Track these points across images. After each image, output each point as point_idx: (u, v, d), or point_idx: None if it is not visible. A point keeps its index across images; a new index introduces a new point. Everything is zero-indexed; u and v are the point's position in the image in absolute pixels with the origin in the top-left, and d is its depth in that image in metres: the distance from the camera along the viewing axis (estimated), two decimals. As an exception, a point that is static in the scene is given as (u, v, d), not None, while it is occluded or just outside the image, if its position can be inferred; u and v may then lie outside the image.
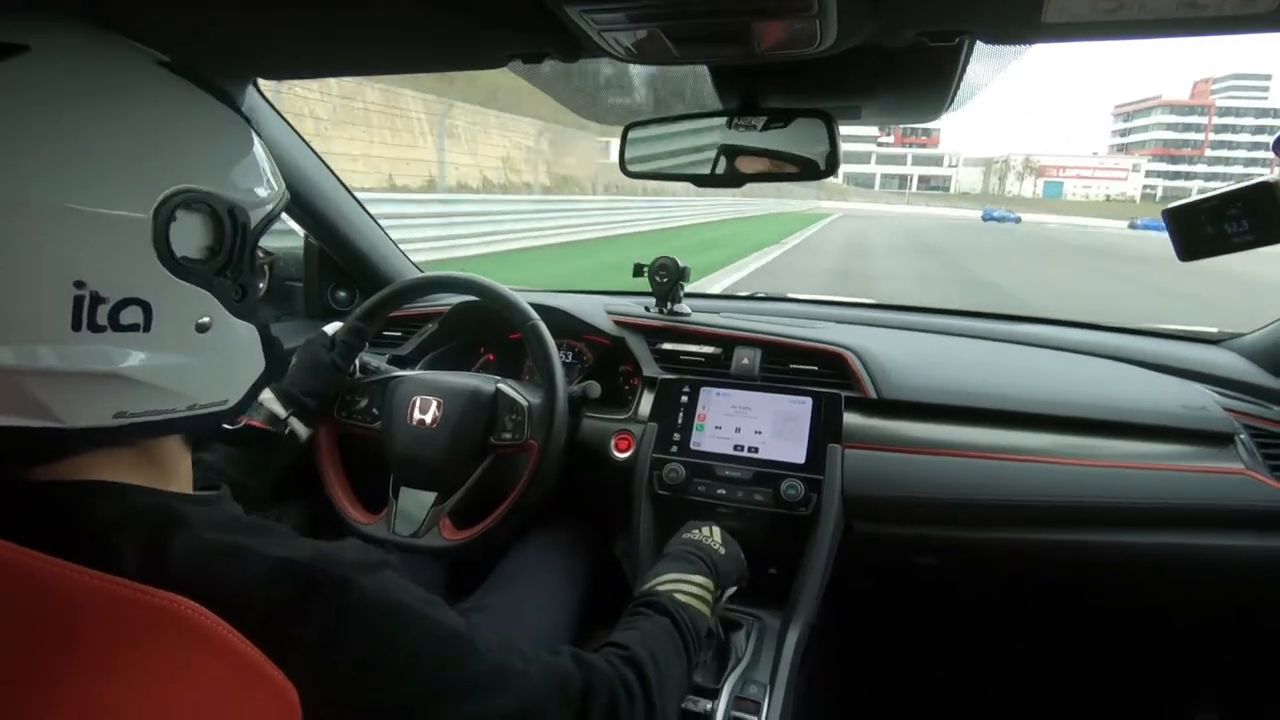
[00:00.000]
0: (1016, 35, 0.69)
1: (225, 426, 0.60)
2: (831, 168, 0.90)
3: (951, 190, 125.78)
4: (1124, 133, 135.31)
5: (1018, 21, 0.65)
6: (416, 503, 1.13)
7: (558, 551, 1.22)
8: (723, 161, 0.97)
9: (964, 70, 0.81)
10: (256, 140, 0.56)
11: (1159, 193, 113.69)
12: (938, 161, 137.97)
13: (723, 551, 0.96)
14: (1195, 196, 0.87)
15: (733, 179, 0.97)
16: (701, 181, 0.98)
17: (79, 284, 0.43)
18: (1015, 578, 1.26)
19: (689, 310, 1.41)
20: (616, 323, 1.40)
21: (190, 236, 0.49)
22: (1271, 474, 1.10)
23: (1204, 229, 0.87)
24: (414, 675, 0.50)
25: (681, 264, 1.41)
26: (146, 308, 0.46)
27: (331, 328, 1.18)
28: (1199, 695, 1.42)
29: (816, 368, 1.26)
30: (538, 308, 1.16)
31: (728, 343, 1.32)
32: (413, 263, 1.67)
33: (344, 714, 0.47)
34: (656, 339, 1.37)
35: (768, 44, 0.69)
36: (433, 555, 1.12)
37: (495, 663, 0.55)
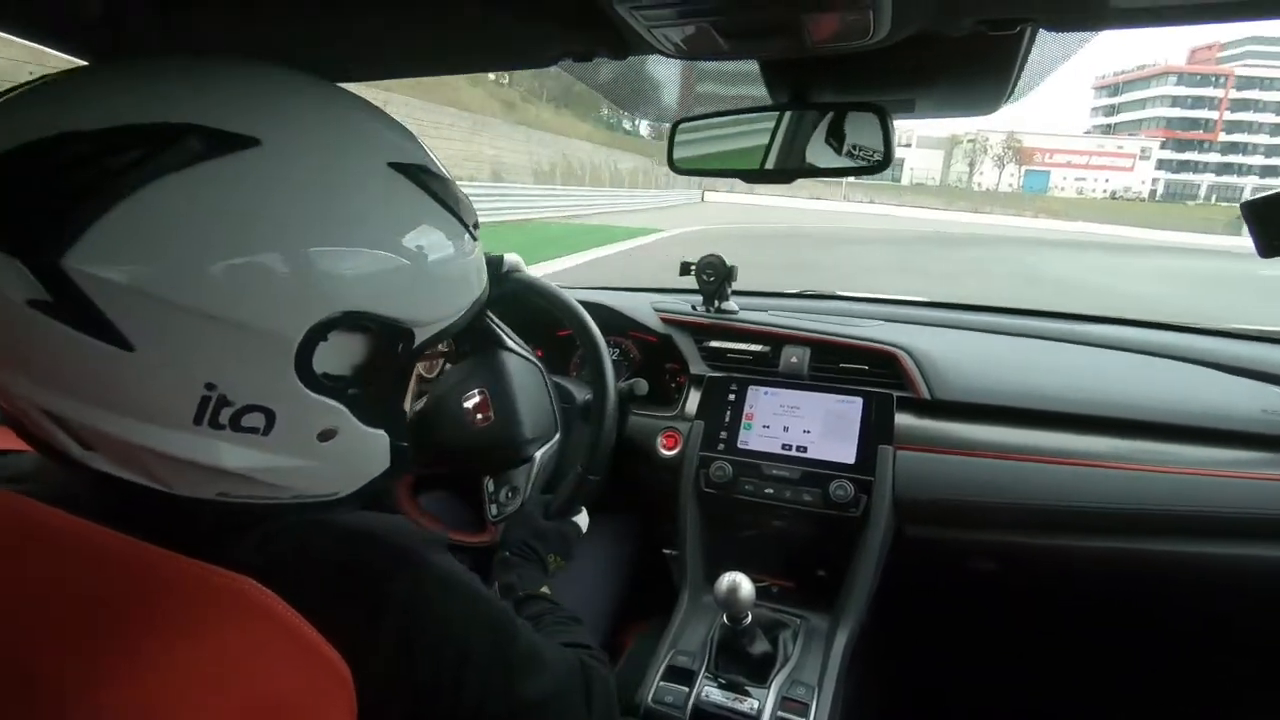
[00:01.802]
0: (1082, 22, 0.66)
1: None
2: (885, 162, 0.88)
3: (905, 180, 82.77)
4: (1110, 110, 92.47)
5: (1084, 7, 0.63)
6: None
7: (602, 545, 1.23)
8: (772, 157, 0.96)
9: (1025, 60, 0.78)
10: (464, 250, 0.54)
11: (1160, 187, 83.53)
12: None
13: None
14: (1274, 190, 0.81)
15: (781, 174, 0.96)
16: (750, 177, 0.97)
17: (210, 385, 0.44)
18: (1077, 586, 1.21)
19: (736, 308, 1.40)
20: (664, 320, 1.40)
21: (340, 355, 0.48)
22: None
23: None
24: (476, 651, 0.53)
25: (729, 263, 1.41)
26: (270, 415, 0.46)
27: None
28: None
29: (867, 367, 1.24)
30: (585, 304, 1.17)
31: (776, 341, 1.31)
32: None
33: (399, 688, 0.49)
34: (704, 337, 1.36)
35: (819, 37, 0.68)
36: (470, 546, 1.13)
37: (534, 643, 0.59)
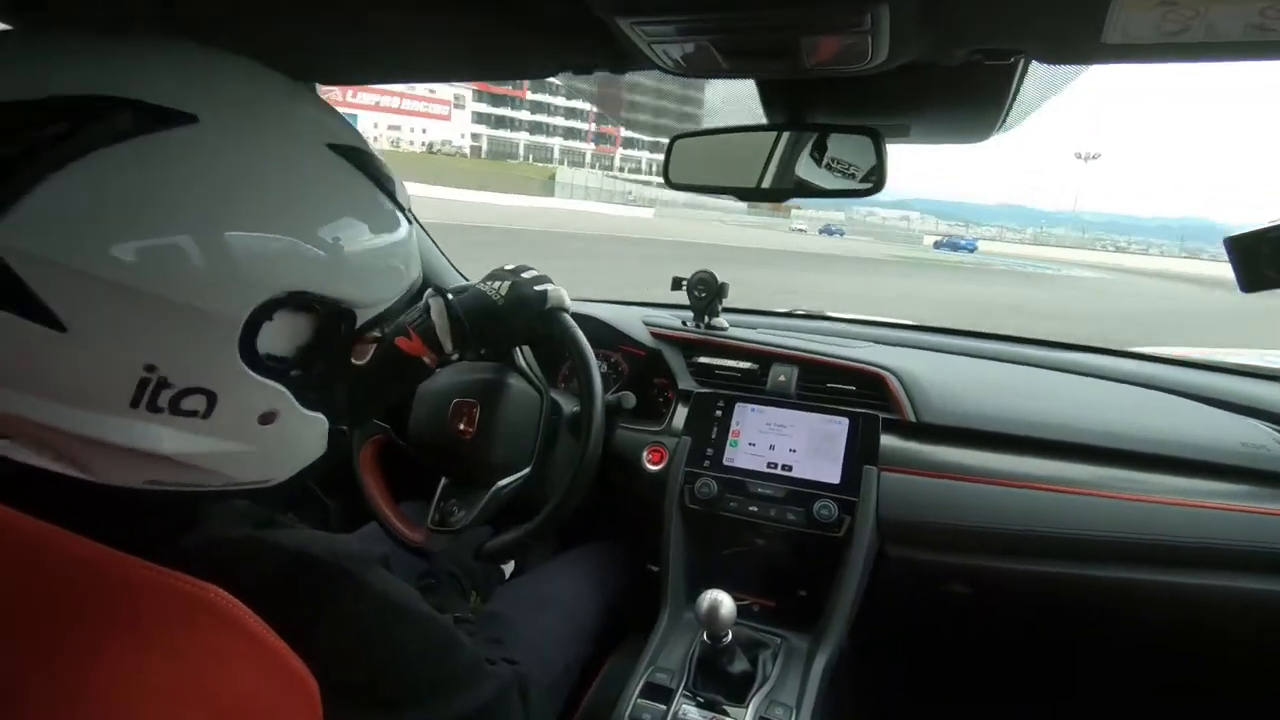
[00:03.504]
0: (1074, 55, 0.68)
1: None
2: (879, 185, 0.89)
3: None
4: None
5: (1076, 42, 0.64)
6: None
7: (587, 560, 1.22)
8: (768, 176, 0.96)
9: (1018, 90, 0.79)
10: (403, 233, 0.54)
11: (484, 145, 76.94)
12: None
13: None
14: (1263, 224, 0.82)
15: (776, 193, 0.97)
16: (745, 195, 0.98)
17: (150, 367, 0.42)
18: (1054, 612, 1.22)
19: (726, 325, 1.41)
20: (654, 335, 1.40)
21: (283, 336, 0.47)
22: None
23: (1270, 259, 0.83)
24: (415, 668, 0.53)
25: (720, 279, 1.41)
26: (212, 398, 0.45)
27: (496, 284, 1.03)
28: None
29: (854, 388, 1.24)
30: (575, 316, 1.16)
31: (764, 359, 1.31)
32: (455, 268, 1.70)
33: (353, 707, 0.49)
34: (693, 352, 1.37)
35: (818, 60, 0.69)
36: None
37: (474, 657, 0.60)
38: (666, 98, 1.04)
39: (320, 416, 0.53)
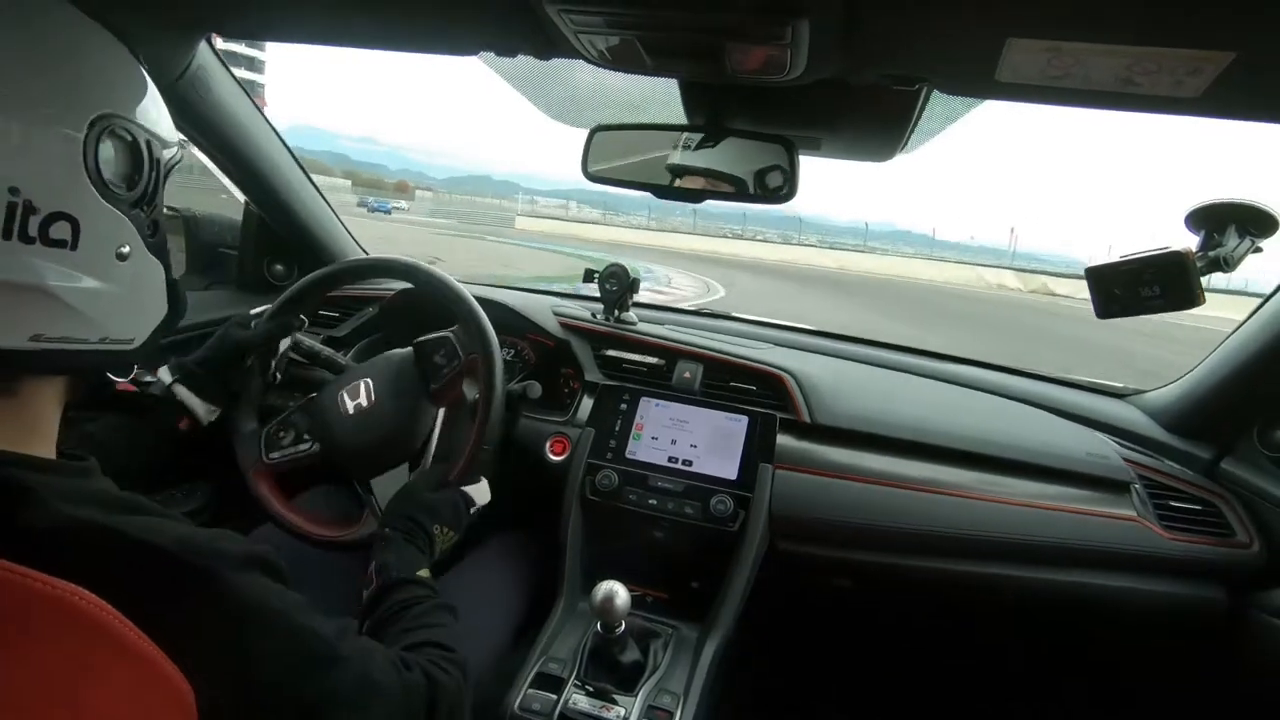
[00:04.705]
0: (971, 89, 0.73)
1: (113, 380, 0.59)
2: (789, 193, 0.92)
3: None
4: None
5: (973, 76, 0.69)
6: (394, 482, 1.05)
7: (502, 559, 1.20)
8: (683, 175, 0.98)
9: (920, 115, 0.85)
10: (151, 83, 0.57)
11: None
12: None
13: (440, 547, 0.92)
14: (1116, 258, 0.92)
15: (691, 194, 0.99)
16: (661, 192, 0.99)
17: (13, 190, 0.43)
18: (926, 604, 1.31)
19: (635, 319, 1.42)
20: (562, 325, 1.39)
21: (112, 162, 0.50)
22: (1160, 523, 1.18)
23: (1120, 290, 0.92)
24: (280, 683, 0.48)
25: (632, 274, 1.42)
26: (75, 225, 0.47)
27: (260, 310, 1.10)
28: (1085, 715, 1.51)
29: (755, 387, 1.29)
30: (483, 302, 1.12)
31: (671, 355, 1.34)
32: (357, 242, 1.62)
33: (232, 714, 0.45)
34: (601, 345, 1.37)
35: (739, 67, 0.70)
36: None
37: (359, 676, 0.55)
38: None
39: (160, 265, 0.57)
